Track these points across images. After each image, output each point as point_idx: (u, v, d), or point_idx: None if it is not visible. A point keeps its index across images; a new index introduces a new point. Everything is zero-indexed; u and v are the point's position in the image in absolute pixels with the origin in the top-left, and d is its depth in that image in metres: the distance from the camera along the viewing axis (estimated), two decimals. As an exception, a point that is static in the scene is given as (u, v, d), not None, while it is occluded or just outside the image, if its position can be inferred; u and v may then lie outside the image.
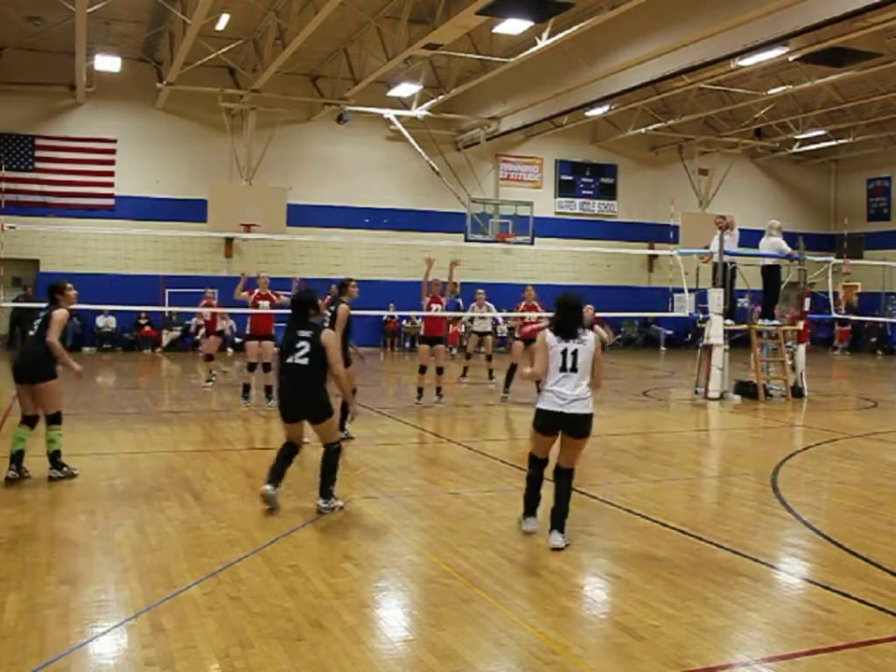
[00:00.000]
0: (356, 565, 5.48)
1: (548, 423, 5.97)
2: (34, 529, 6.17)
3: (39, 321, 7.79)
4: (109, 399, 14.59)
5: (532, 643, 4.28)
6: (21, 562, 5.40)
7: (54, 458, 7.76)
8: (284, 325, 7.17)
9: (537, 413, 6.02)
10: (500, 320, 18.41)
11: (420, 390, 13.46)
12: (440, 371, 13.67)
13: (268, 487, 6.75)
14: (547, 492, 6.13)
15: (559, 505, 5.95)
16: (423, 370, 13.54)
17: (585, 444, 6.09)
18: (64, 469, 7.78)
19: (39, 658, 4.01)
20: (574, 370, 5.87)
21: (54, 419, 7.78)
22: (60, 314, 7.80)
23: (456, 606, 4.77)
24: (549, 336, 5.95)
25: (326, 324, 10.12)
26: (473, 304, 16.18)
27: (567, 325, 5.95)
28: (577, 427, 5.91)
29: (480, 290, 16.04)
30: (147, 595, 4.84)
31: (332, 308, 10.15)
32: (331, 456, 6.81)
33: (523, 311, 14.61)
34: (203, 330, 17.91)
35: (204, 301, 16.41)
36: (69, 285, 8.07)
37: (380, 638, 4.36)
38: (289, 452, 6.94)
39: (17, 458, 7.65)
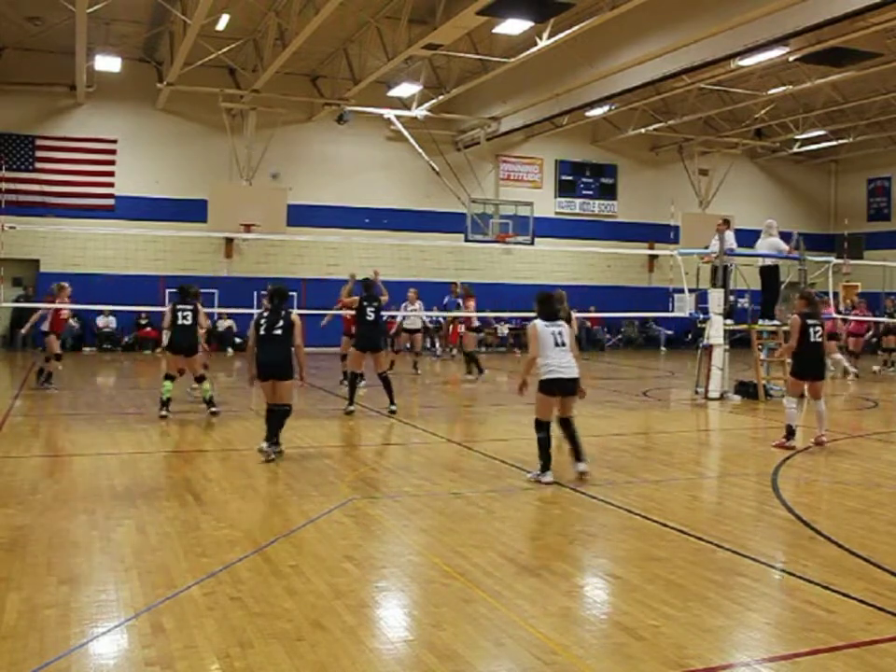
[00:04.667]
0: (356, 565, 5.48)
1: None
2: (34, 529, 6.16)
3: None
4: (109, 399, 14.59)
5: (532, 643, 4.27)
6: (21, 562, 5.39)
7: None
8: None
9: None
10: (425, 318, 18.75)
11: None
12: None
13: (264, 444, 8.57)
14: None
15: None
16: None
17: None
18: None
19: (39, 658, 4.01)
20: None
21: None
22: None
23: (456, 606, 4.77)
24: None
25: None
26: (405, 303, 16.47)
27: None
28: None
29: (412, 289, 16.34)
30: (147, 595, 4.83)
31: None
32: (283, 416, 8.79)
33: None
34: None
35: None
36: None
37: (380, 638, 4.36)
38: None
39: None
